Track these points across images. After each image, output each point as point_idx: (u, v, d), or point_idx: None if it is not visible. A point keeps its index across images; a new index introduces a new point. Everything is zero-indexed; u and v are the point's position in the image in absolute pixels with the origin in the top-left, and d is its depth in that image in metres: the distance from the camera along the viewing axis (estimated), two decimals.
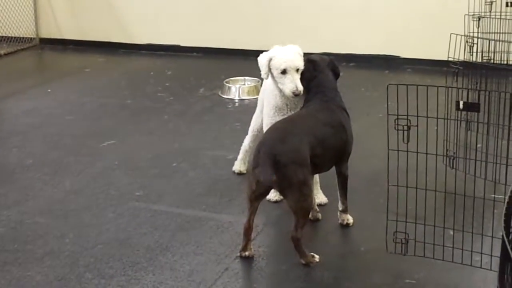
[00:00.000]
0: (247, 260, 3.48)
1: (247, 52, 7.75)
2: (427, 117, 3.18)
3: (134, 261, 3.50)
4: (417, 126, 3.15)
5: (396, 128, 3.15)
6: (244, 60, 7.63)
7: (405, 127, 3.14)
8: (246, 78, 6.66)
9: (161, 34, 8.17)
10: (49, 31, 8.64)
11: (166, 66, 7.56)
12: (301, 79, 3.76)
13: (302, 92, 3.72)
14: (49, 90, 6.67)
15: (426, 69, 6.95)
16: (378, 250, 3.43)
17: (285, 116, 3.79)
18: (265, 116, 3.99)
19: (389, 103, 3.17)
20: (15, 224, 3.94)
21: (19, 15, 8.51)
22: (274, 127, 3.55)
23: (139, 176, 4.55)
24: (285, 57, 3.75)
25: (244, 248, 3.49)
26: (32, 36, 8.64)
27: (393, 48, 7.26)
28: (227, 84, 6.49)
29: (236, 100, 6.31)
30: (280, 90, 3.80)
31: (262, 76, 3.87)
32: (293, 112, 3.82)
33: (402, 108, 3.15)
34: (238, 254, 3.50)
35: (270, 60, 3.80)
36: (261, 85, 6.45)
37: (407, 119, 3.14)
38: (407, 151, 3.19)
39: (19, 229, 3.89)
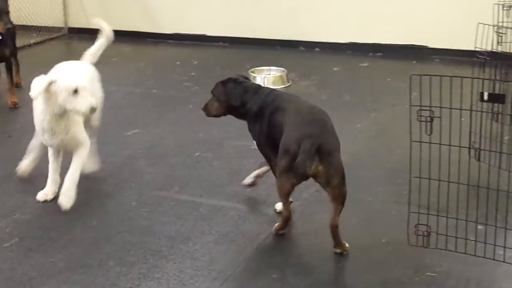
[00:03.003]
0: (268, 251, 3.48)
1: (273, 41, 7.76)
2: (450, 108, 3.14)
3: (155, 249, 3.52)
4: (440, 117, 3.12)
5: (419, 120, 3.12)
6: (270, 49, 7.63)
7: (428, 118, 3.11)
8: (271, 68, 6.65)
9: (188, 23, 8.19)
10: (78, 21, 8.70)
11: (192, 55, 7.57)
12: (233, 96, 3.78)
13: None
14: None
15: (454, 59, 6.85)
16: (400, 242, 3.42)
17: None
18: None
19: (414, 93, 3.14)
20: (41, 211, 3.99)
21: (48, 5, 8.59)
22: (304, 119, 3.48)
23: (163, 165, 4.57)
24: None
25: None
26: (60, 26, 8.72)
27: (421, 38, 7.19)
28: (252, 73, 6.48)
29: None
30: None
31: None
32: None
33: (427, 99, 3.11)
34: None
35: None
36: (286, 75, 6.47)
37: (430, 110, 3.11)
38: (430, 142, 3.16)
39: (44, 216, 3.94)
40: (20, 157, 4.44)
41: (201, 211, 3.92)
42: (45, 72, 3.93)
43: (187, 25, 8.19)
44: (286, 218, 3.60)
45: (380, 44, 7.36)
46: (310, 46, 7.63)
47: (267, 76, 6.44)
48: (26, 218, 3.92)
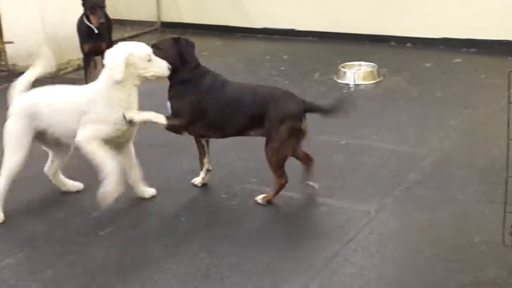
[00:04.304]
0: (358, 247, 3.46)
1: (362, 36, 7.68)
2: None
3: (244, 242, 3.56)
4: None
5: None
6: (360, 44, 7.56)
7: None
8: (362, 63, 6.59)
9: (277, 18, 8.21)
10: (170, 15, 8.88)
11: (281, 50, 7.60)
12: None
13: None
14: None
15: None
16: (494, 242, 3.33)
17: None
18: None
19: (510, 90, 3.06)
20: (134, 201, 4.10)
21: (142, 0, 8.80)
22: (279, 90, 4.00)
23: (252, 159, 4.60)
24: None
25: None
26: (153, 20, 8.92)
27: None
28: (342, 69, 6.44)
29: (351, 85, 6.26)
30: None
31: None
32: None
33: None
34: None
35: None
36: (377, 71, 6.40)
37: None
38: None
39: (137, 207, 4.04)
40: None
41: (291, 205, 3.93)
42: None
43: (276, 20, 8.22)
44: (282, 186, 3.87)
45: (474, 39, 7.16)
46: (401, 41, 7.52)
47: (357, 71, 6.39)
48: (120, 208, 4.02)
